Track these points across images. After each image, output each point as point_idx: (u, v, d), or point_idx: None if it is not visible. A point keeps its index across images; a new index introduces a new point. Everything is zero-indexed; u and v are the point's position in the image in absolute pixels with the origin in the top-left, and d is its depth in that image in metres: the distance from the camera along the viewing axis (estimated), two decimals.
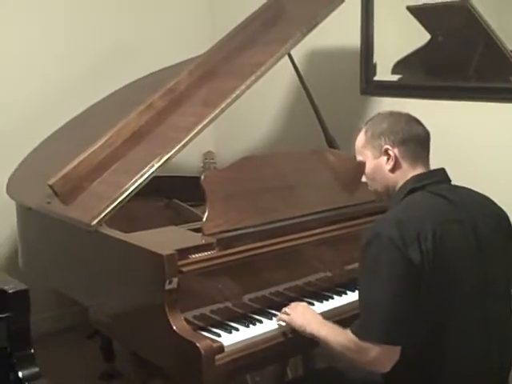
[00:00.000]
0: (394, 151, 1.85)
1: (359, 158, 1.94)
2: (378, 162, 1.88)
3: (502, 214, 1.87)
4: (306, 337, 1.90)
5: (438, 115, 2.92)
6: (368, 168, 1.91)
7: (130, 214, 2.49)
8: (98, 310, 2.30)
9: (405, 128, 1.86)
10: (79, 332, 3.30)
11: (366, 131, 1.91)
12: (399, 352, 1.68)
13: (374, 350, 1.67)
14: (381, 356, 1.67)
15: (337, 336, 1.78)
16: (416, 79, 3.13)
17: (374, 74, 3.19)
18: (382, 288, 1.65)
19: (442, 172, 1.88)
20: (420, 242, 1.64)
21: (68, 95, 3.46)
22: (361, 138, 1.93)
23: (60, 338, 3.27)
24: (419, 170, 1.84)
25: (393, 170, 1.85)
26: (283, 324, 1.99)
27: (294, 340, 1.98)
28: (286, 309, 2.01)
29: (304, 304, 2.05)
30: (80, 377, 2.92)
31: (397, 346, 1.67)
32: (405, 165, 1.84)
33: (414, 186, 1.81)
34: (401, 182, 1.84)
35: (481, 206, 1.84)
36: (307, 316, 1.95)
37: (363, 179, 1.95)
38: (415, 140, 1.85)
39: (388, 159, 1.86)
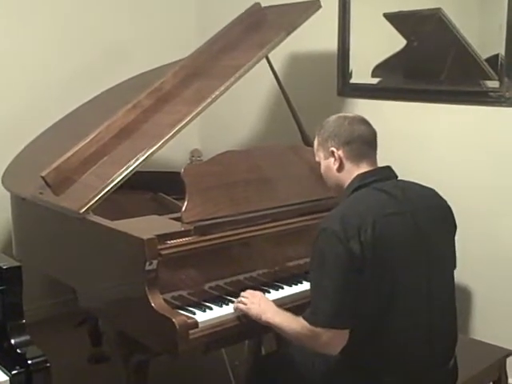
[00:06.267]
0: (338, 153, 1.99)
1: (316, 159, 2.09)
2: (327, 163, 2.03)
3: (444, 205, 2.02)
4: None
5: (408, 116, 3.10)
6: (322, 168, 2.07)
7: (118, 206, 2.66)
8: (86, 291, 2.45)
9: (347, 130, 1.98)
10: (69, 320, 3.46)
11: (318, 135, 2.06)
12: (347, 335, 1.83)
13: (324, 334, 1.82)
14: (330, 339, 1.82)
15: (290, 323, 1.93)
16: (393, 82, 3.25)
17: (350, 76, 3.35)
18: (328, 278, 1.80)
19: (387, 169, 2.01)
20: (360, 234, 1.78)
21: (62, 93, 3.59)
22: (315, 142, 2.08)
23: (52, 326, 3.43)
24: (364, 169, 1.97)
25: (339, 170, 2.00)
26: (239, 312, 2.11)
27: None
28: (242, 298, 2.12)
29: (259, 293, 2.16)
30: (70, 361, 3.08)
31: (344, 329, 1.82)
32: (349, 164, 1.98)
33: (360, 184, 1.94)
34: (348, 180, 1.98)
35: (424, 198, 1.98)
36: (262, 305, 2.07)
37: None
38: (358, 140, 1.98)
39: (334, 160, 2.00)
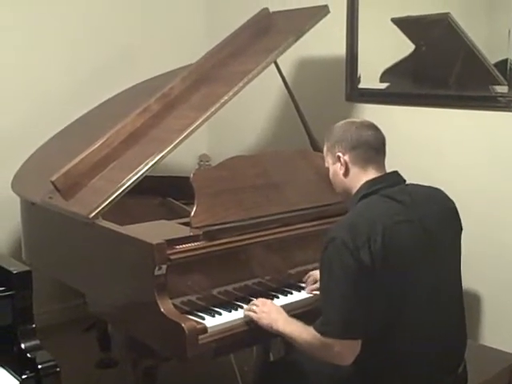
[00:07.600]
0: (344, 158, 1.98)
1: (325, 164, 2.08)
2: (335, 168, 2.02)
3: (450, 206, 2.01)
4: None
5: (417, 121, 3.10)
6: (330, 173, 2.06)
7: (127, 211, 2.66)
8: (95, 296, 2.46)
9: (354, 135, 1.97)
10: (78, 324, 3.48)
11: (327, 140, 2.05)
12: (359, 345, 1.81)
13: (336, 345, 1.80)
14: (343, 350, 1.81)
15: (302, 334, 1.91)
16: (402, 87, 3.24)
17: (359, 81, 3.35)
18: (337, 288, 1.78)
19: (394, 175, 1.99)
20: (370, 244, 1.77)
21: (72, 98, 3.61)
22: (324, 147, 2.08)
23: (60, 330, 3.43)
24: (371, 174, 1.96)
25: (345, 175, 1.99)
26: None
27: None
28: (253, 307, 2.12)
29: (269, 302, 2.16)
30: (78, 365, 3.08)
31: (356, 339, 1.81)
32: (355, 169, 1.97)
33: (367, 191, 1.93)
34: (355, 186, 1.97)
35: (431, 201, 1.97)
36: (273, 315, 2.05)
37: None
38: (365, 145, 1.96)
39: (341, 165, 1.99)
